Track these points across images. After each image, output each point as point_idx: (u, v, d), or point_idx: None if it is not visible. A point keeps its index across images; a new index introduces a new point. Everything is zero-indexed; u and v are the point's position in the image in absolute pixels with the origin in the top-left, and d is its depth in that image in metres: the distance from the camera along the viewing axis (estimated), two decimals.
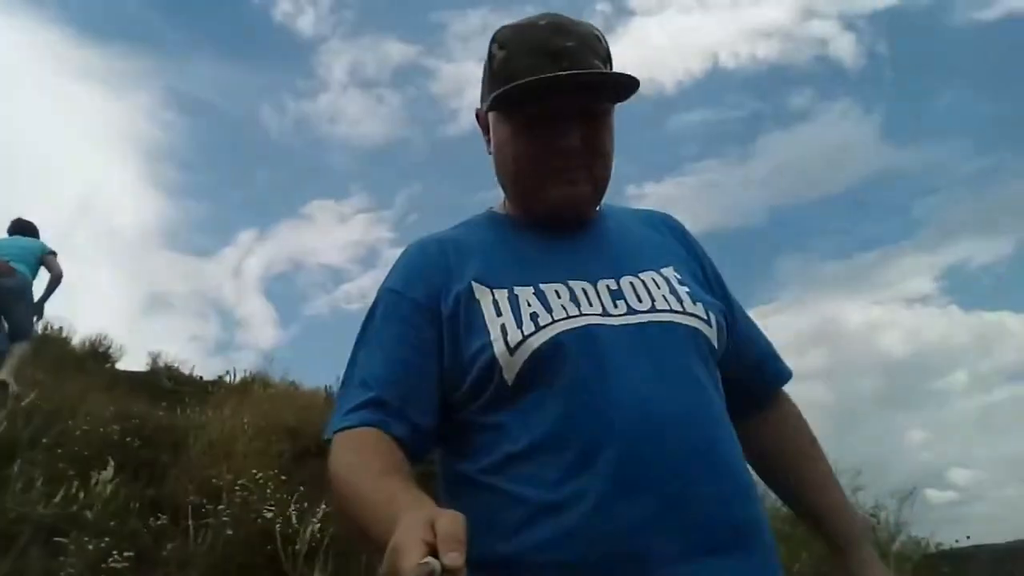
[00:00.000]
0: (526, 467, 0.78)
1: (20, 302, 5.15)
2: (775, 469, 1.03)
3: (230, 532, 3.05)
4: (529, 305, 0.84)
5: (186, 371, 8.55)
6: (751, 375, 1.01)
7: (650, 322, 0.84)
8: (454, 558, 0.50)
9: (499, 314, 0.83)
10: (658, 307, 0.86)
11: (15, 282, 5.08)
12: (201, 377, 8.37)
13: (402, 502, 0.63)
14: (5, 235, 5.57)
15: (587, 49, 0.87)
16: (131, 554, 2.75)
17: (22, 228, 5.61)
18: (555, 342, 0.80)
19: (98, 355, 8.68)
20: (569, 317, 0.82)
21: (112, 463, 2.95)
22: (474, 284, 0.87)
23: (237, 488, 3.54)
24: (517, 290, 0.85)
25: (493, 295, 0.85)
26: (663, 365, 0.81)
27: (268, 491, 3.64)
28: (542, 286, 0.86)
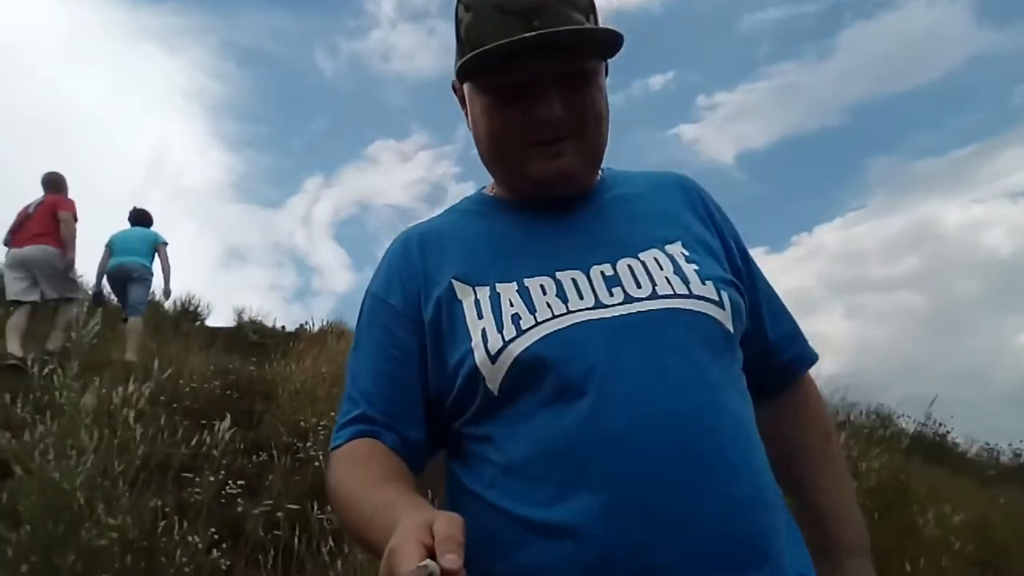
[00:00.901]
0: (518, 482, 0.73)
1: (139, 284, 6.11)
2: (779, 459, 0.92)
3: (317, 464, 3.74)
4: (511, 305, 0.77)
5: (268, 323, 9.47)
6: (770, 357, 0.94)
7: (650, 310, 0.76)
8: (452, 560, 0.50)
9: (480, 316, 0.78)
10: (660, 292, 0.78)
11: (136, 269, 6.08)
12: (283, 328, 9.31)
13: (400, 506, 0.62)
14: (127, 225, 6.50)
15: (563, 2, 0.78)
16: (242, 483, 3.49)
17: (139, 218, 6.55)
18: (538, 348, 0.74)
19: (188, 314, 9.69)
20: (555, 316, 0.76)
21: (228, 416, 3.67)
22: (455, 283, 0.82)
23: (320, 428, 4.24)
24: (500, 287, 0.79)
25: (475, 294, 0.80)
26: (663, 360, 0.73)
27: None
28: (526, 281, 0.79)
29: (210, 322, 10.12)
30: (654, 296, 0.77)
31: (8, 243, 5.59)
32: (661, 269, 0.80)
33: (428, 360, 0.82)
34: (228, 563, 2.91)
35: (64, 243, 5.54)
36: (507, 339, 0.75)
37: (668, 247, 0.83)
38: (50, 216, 5.55)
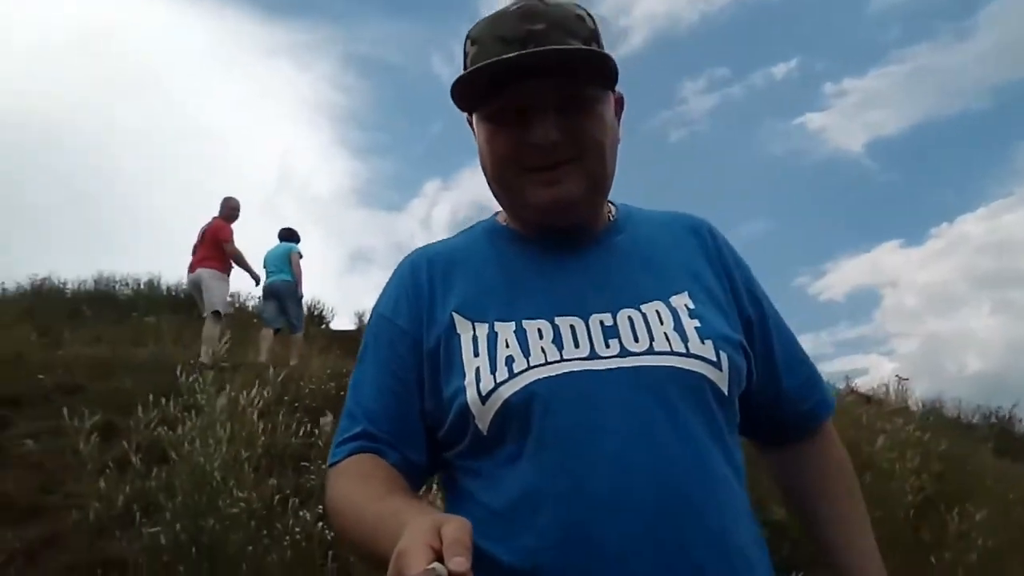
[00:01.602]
0: (502, 527, 0.73)
1: (291, 301, 7.14)
2: (804, 507, 0.96)
3: None
4: (507, 346, 0.78)
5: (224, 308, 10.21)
6: (786, 406, 0.93)
7: (644, 366, 0.76)
8: (460, 563, 0.49)
9: (476, 355, 0.78)
10: (657, 348, 0.77)
11: (283, 286, 7.09)
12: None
13: (407, 513, 0.62)
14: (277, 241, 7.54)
15: (560, 30, 0.78)
16: None
17: (285, 235, 7.60)
18: (527, 392, 0.74)
19: (314, 318, 10.75)
20: (548, 363, 0.76)
21: (330, 414, 4.38)
22: (455, 316, 0.82)
23: None
24: (498, 326, 0.80)
25: (474, 330, 0.80)
26: (650, 419, 0.73)
27: None
28: (524, 323, 0.79)
29: (334, 325, 11.17)
30: (650, 352, 0.77)
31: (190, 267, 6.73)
32: (661, 324, 0.80)
33: (425, 383, 0.82)
34: (332, 535, 3.56)
35: (228, 263, 6.66)
36: (498, 381, 0.75)
37: (673, 299, 0.83)
38: (213, 241, 6.63)
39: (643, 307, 0.81)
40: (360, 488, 0.75)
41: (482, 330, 0.81)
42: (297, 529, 3.32)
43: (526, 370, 0.76)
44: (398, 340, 0.85)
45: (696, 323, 0.80)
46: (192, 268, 6.67)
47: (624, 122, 0.92)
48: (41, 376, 5.06)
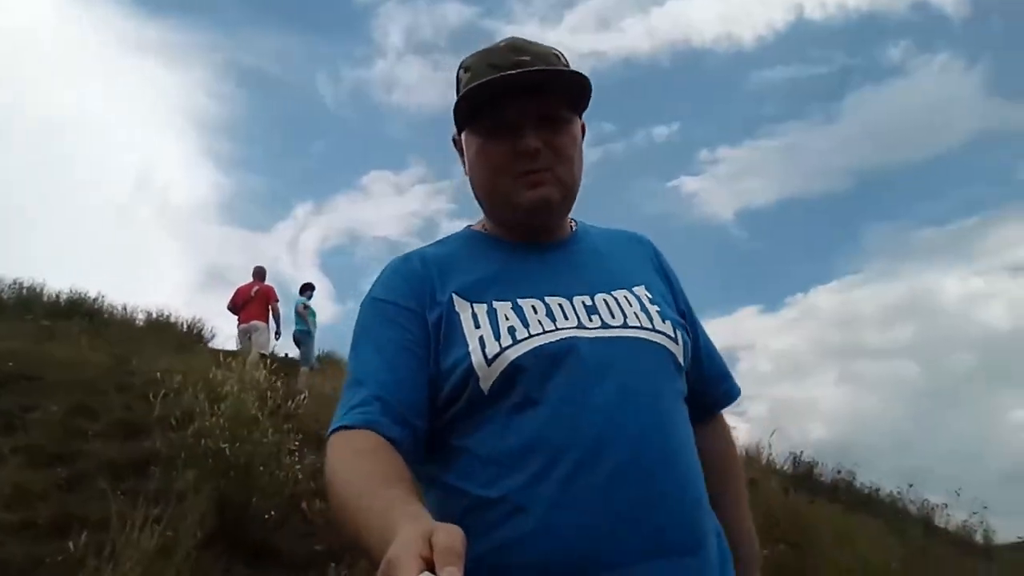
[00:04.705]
0: (496, 472, 0.82)
1: (302, 343, 9.21)
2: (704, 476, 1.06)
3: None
4: (507, 319, 0.87)
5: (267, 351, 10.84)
6: (705, 390, 1.06)
7: (622, 337, 0.88)
8: (452, 572, 0.49)
9: (477, 326, 0.87)
10: (630, 323, 0.90)
11: (304, 327, 9.13)
12: (287, 355, 10.74)
13: (399, 513, 0.62)
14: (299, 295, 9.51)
15: (543, 62, 0.92)
16: None
17: (301, 289, 9.55)
18: (531, 355, 0.84)
19: (193, 335, 10.94)
20: (546, 332, 0.86)
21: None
22: (455, 297, 0.91)
23: None
24: (496, 304, 0.89)
25: (472, 308, 0.89)
26: (631, 379, 0.85)
27: None
28: (520, 301, 0.89)
29: (213, 344, 11.26)
30: (625, 326, 0.90)
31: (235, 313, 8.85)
32: (630, 305, 0.93)
33: (431, 355, 0.88)
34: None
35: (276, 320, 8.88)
36: (504, 346, 0.85)
37: (635, 289, 0.97)
38: (262, 302, 8.77)
39: (614, 293, 0.94)
40: (359, 467, 0.76)
41: (480, 308, 0.90)
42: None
43: (528, 337, 0.86)
44: (403, 317, 0.91)
45: (656, 308, 0.95)
46: (243, 320, 8.73)
47: None
48: None
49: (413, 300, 0.92)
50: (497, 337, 0.86)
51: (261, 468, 4.04)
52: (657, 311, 0.94)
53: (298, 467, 4.34)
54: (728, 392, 1.12)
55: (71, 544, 3.12)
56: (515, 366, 0.84)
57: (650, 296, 0.96)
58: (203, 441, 3.97)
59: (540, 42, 0.96)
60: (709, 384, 1.08)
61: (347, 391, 0.87)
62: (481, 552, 0.75)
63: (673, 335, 0.93)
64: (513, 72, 0.88)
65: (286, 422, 4.83)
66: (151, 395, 4.70)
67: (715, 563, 0.85)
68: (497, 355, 0.84)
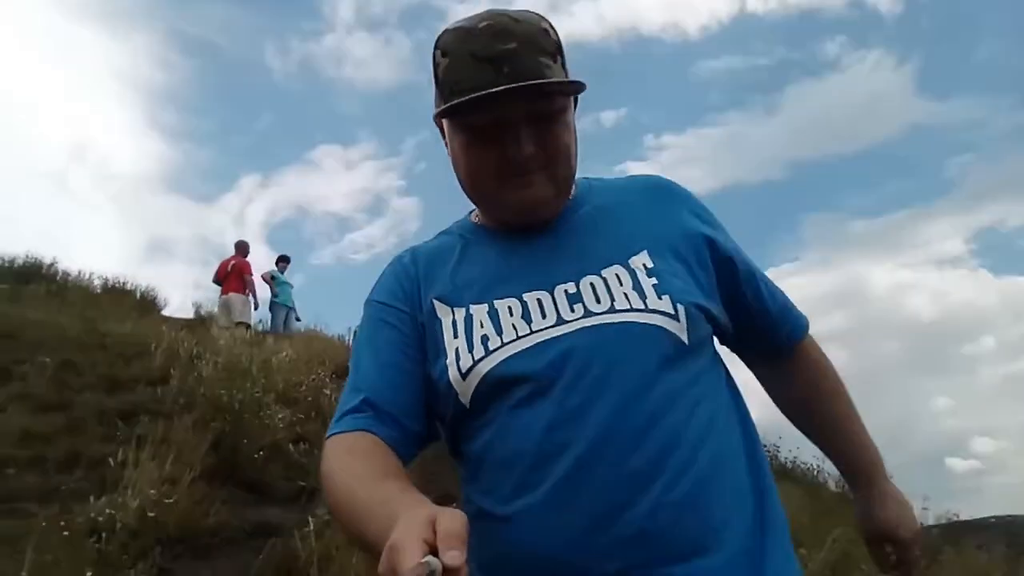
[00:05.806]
0: (486, 478, 0.84)
1: (274, 309, 10.61)
2: (799, 414, 1.08)
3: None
4: (481, 327, 0.87)
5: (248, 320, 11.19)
6: (770, 331, 1.03)
7: (606, 323, 0.84)
8: (455, 556, 0.49)
9: (456, 336, 0.88)
10: (617, 307, 0.85)
11: (272, 297, 10.56)
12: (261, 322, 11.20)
13: (400, 502, 0.63)
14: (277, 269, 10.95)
15: (531, 48, 0.84)
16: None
17: (276, 260, 11.10)
18: (501, 367, 0.83)
19: (147, 303, 11.30)
20: (519, 338, 0.85)
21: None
22: (435, 303, 0.92)
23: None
24: (472, 309, 0.89)
25: (453, 314, 0.90)
26: (615, 370, 0.81)
27: None
28: (496, 303, 0.88)
29: (167, 312, 11.62)
30: (611, 311, 0.85)
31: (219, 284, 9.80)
32: (621, 285, 0.87)
33: (427, 356, 0.91)
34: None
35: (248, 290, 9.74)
36: (476, 359, 0.85)
37: (632, 260, 0.89)
38: (238, 274, 9.68)
39: (604, 272, 0.89)
40: (354, 466, 0.78)
41: (460, 313, 0.89)
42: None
43: (500, 347, 0.84)
44: (397, 319, 0.93)
45: (653, 280, 0.87)
46: (223, 292, 9.61)
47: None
48: None
49: (404, 301, 0.95)
50: (470, 349, 0.86)
51: (246, 416, 4.56)
52: (654, 285, 0.87)
53: (280, 416, 4.87)
54: (793, 328, 1.05)
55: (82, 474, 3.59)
56: (488, 379, 0.84)
57: (649, 266, 0.89)
58: (201, 388, 4.46)
59: (523, 12, 0.88)
60: (773, 327, 1.03)
61: (344, 394, 0.90)
62: (486, 560, 0.80)
63: (672, 311, 0.85)
64: (498, 89, 0.81)
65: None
66: (129, 355, 5.25)
67: (740, 556, 0.79)
68: (471, 368, 0.85)
